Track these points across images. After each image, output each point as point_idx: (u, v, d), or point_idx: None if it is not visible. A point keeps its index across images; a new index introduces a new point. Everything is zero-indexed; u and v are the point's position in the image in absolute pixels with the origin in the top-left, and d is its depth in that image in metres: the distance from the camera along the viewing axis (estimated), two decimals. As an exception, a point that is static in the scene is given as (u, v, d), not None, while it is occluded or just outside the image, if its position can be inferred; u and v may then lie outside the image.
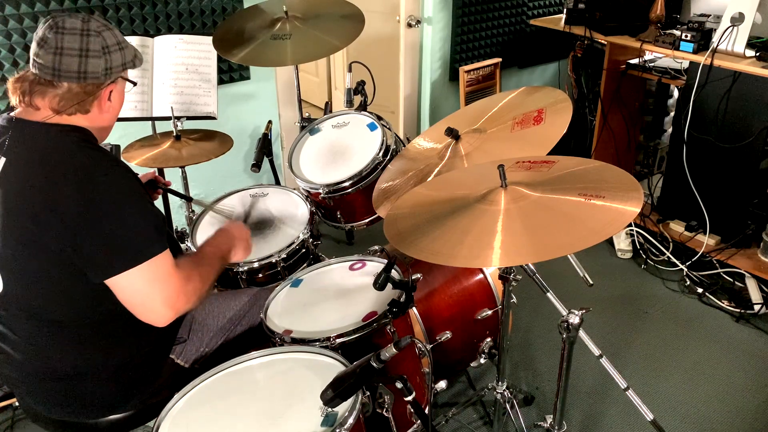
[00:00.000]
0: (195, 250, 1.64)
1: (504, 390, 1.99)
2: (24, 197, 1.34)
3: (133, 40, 2.47)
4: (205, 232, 2.13)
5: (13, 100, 1.42)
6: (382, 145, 2.21)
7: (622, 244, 3.23)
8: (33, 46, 1.38)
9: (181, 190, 2.62)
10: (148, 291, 1.37)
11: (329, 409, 1.31)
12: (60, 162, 1.35)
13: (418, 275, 1.80)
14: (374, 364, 1.29)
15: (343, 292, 1.75)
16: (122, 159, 2.32)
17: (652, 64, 3.17)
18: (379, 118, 2.34)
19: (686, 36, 2.74)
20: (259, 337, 1.70)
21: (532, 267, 1.90)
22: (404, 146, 2.24)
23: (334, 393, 1.25)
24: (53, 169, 1.34)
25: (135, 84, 1.57)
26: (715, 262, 2.97)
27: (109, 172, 1.36)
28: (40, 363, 1.49)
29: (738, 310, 2.79)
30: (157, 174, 2.00)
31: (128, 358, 1.52)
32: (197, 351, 1.67)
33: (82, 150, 1.38)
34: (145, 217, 1.39)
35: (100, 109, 1.44)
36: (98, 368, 1.50)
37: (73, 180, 1.32)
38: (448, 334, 2.00)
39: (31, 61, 1.39)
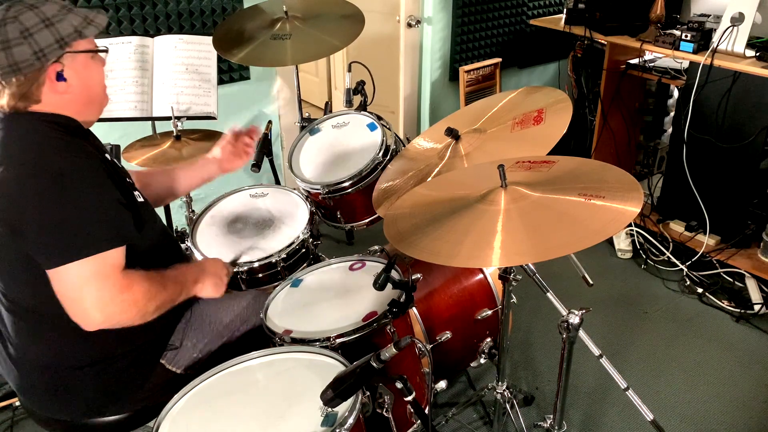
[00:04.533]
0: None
1: (504, 390, 1.99)
2: None
3: (134, 40, 2.47)
4: (204, 232, 2.13)
5: None
6: (382, 145, 2.21)
7: (622, 244, 3.23)
8: None
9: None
10: (81, 289, 1.29)
11: (329, 409, 1.31)
12: (18, 151, 1.31)
13: (418, 275, 1.81)
14: (374, 364, 1.29)
15: (343, 292, 1.75)
16: (121, 159, 2.32)
17: (652, 64, 3.17)
18: (379, 118, 2.34)
19: (686, 36, 2.74)
20: (258, 339, 1.68)
21: (532, 267, 1.90)
22: (404, 146, 2.24)
23: (334, 393, 1.25)
24: (11, 159, 1.31)
25: (105, 51, 1.45)
26: (715, 262, 2.97)
27: (60, 160, 1.30)
28: (25, 355, 1.49)
29: (738, 310, 2.79)
30: (241, 129, 1.95)
31: (112, 356, 1.49)
32: (190, 357, 1.64)
33: (43, 137, 1.33)
34: (93, 211, 1.31)
35: (56, 92, 1.36)
36: (80, 364, 1.48)
37: (23, 167, 1.28)
38: (448, 334, 2.00)
39: None
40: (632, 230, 3.24)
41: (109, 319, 1.33)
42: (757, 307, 2.77)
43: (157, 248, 1.58)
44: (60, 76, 1.35)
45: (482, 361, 2.10)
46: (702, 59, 2.67)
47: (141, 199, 1.52)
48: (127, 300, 1.34)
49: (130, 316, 1.36)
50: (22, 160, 1.30)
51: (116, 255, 1.34)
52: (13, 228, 1.30)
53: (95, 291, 1.30)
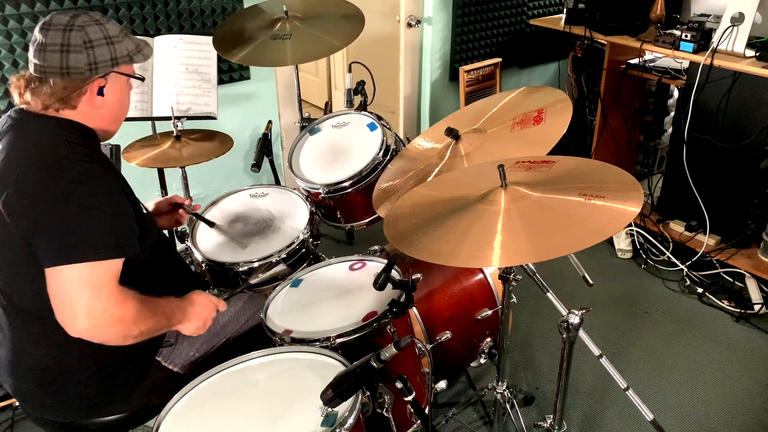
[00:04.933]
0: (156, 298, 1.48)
1: (504, 390, 1.99)
2: (1, 185, 1.34)
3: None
4: (205, 232, 2.13)
5: (15, 98, 1.44)
6: (382, 145, 2.21)
7: (622, 244, 3.23)
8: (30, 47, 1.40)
9: (182, 190, 2.62)
10: (74, 292, 1.30)
11: (329, 409, 1.31)
12: (41, 152, 1.35)
13: (418, 275, 1.80)
14: (374, 364, 1.29)
15: (343, 292, 1.75)
16: (121, 159, 2.32)
17: (652, 64, 3.17)
18: (379, 118, 2.34)
19: (686, 36, 2.74)
20: (258, 339, 1.68)
21: (532, 267, 1.90)
22: (404, 146, 2.24)
23: (334, 393, 1.25)
24: (32, 158, 1.34)
25: (142, 79, 1.54)
26: (715, 262, 2.97)
27: (81, 165, 1.34)
28: (21, 357, 1.49)
29: (738, 310, 2.79)
30: (186, 200, 1.98)
31: (108, 356, 1.49)
32: (186, 356, 1.64)
33: (67, 143, 1.37)
34: (103, 219, 1.34)
35: (92, 105, 1.43)
36: (76, 365, 1.48)
37: (45, 167, 1.32)
38: (448, 334, 2.00)
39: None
40: (632, 230, 3.24)
41: (93, 329, 1.33)
42: (757, 307, 2.77)
43: (154, 256, 1.58)
44: (101, 91, 1.43)
45: (482, 361, 2.10)
46: (702, 59, 2.67)
47: (146, 211, 1.56)
48: (116, 315, 1.34)
49: (113, 333, 1.36)
50: (46, 161, 1.34)
51: (114, 266, 1.35)
52: (27, 227, 1.32)
53: (87, 297, 1.31)
